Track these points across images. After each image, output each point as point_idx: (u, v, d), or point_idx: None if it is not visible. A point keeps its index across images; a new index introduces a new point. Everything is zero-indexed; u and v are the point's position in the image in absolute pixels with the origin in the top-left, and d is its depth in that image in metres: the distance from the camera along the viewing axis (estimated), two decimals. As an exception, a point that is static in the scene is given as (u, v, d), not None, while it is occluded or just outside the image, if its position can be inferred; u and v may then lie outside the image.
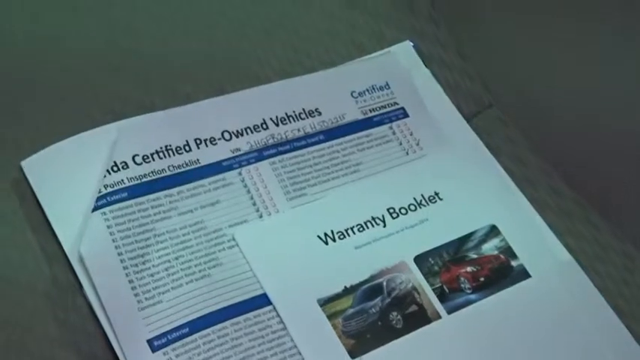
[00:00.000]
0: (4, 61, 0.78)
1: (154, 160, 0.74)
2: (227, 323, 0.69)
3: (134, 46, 0.79)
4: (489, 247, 0.76)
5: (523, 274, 0.75)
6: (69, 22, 0.81)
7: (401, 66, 0.83)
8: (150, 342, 0.67)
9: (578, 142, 0.81)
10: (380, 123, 0.80)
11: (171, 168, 0.74)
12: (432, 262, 0.74)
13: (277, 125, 0.78)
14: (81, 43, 0.80)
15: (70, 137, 0.73)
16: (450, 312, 0.73)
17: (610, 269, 0.78)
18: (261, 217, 0.74)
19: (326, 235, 0.74)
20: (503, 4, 0.87)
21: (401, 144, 0.79)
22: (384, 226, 0.75)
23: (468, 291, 0.74)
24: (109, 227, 0.71)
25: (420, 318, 0.72)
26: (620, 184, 0.79)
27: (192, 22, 0.82)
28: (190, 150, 0.75)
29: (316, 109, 0.79)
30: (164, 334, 0.68)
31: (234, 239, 0.72)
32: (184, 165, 0.74)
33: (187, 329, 0.68)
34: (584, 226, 0.79)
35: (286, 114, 0.78)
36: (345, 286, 0.72)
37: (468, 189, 0.78)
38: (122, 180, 0.72)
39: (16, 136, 0.74)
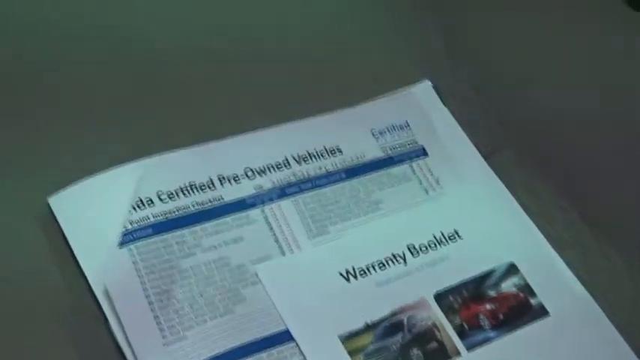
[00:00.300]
0: (30, 100, 0.80)
1: (178, 197, 0.75)
2: (250, 359, 0.70)
3: (157, 84, 0.81)
4: (508, 285, 0.77)
5: (541, 312, 0.76)
6: (95, 63, 0.83)
7: (420, 105, 0.84)
8: (174, 377, 0.69)
9: (593, 176, 0.82)
10: (400, 161, 0.81)
11: (195, 205, 0.75)
12: (452, 299, 0.75)
13: (299, 163, 0.79)
14: (105, 78, 0.81)
15: (96, 173, 0.74)
16: (469, 349, 0.73)
17: (625, 305, 0.78)
18: (283, 254, 0.75)
19: (347, 271, 0.75)
20: (521, 43, 0.89)
21: (421, 183, 0.80)
22: (405, 263, 0.76)
23: (488, 328, 0.75)
24: (134, 263, 0.72)
25: (440, 355, 0.73)
26: (635, 215, 0.81)
27: (216, 62, 0.84)
28: (214, 187, 0.76)
29: (337, 148, 0.81)
30: (188, 369, 0.69)
31: (257, 276, 0.74)
32: (208, 202, 0.76)
33: (211, 364, 0.69)
34: (600, 261, 0.80)
35: (308, 152, 0.80)
36: (367, 323, 0.73)
37: (486, 227, 0.79)
38: (147, 216, 0.74)
39: (42, 173, 0.76)
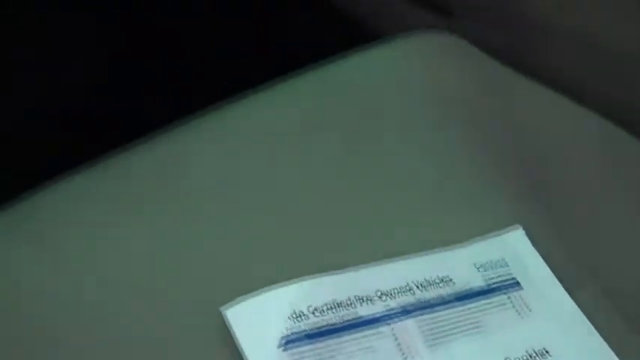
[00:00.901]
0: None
1: (326, 312, 0.94)
2: None
3: (311, 227, 1.02)
4: (588, 397, 0.96)
5: (617, 422, 0.95)
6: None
7: (515, 247, 1.03)
8: None
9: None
10: (499, 291, 1.00)
11: (338, 320, 0.94)
12: (543, 405, 0.94)
13: (420, 289, 0.98)
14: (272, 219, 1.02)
15: (264, 290, 0.94)
16: None
17: None
18: (408, 362, 0.94)
19: (459, 377, 0.94)
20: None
21: (516, 310, 0.99)
22: (506, 374, 0.95)
23: None
24: (293, 365, 0.91)
25: None
26: None
27: (353, 209, 1.04)
28: (353, 306, 0.95)
29: (449, 278, 1.00)
30: None
31: None
32: (348, 317, 0.95)
33: None
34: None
35: (426, 280, 0.99)
36: (475, 421, 0.92)
37: (570, 348, 0.97)
38: (301, 327, 0.93)
39: (217, 286, 0.95)
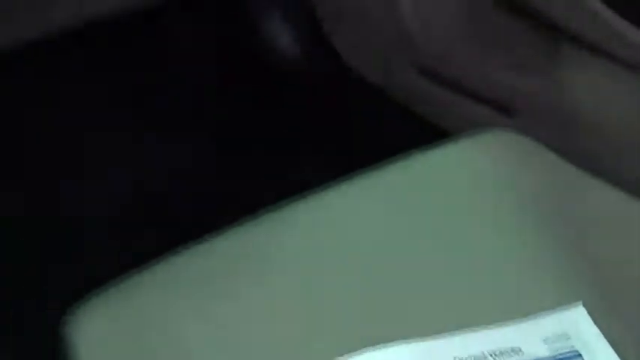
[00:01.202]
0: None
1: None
2: None
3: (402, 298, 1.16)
4: None
5: None
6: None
7: (576, 322, 1.14)
8: None
9: None
10: (563, 362, 1.13)
11: (424, 380, 1.07)
12: None
13: (493, 358, 1.10)
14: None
15: (367, 350, 1.08)
16: None
17: None
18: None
19: None
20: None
21: (579, 378, 1.11)
22: None
23: None
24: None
25: None
26: None
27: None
28: (434, 370, 1.08)
29: (519, 348, 1.11)
30: None
31: None
32: (430, 379, 1.08)
33: None
34: None
35: (499, 350, 1.11)
36: None
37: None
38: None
39: (330, 342, 1.09)
